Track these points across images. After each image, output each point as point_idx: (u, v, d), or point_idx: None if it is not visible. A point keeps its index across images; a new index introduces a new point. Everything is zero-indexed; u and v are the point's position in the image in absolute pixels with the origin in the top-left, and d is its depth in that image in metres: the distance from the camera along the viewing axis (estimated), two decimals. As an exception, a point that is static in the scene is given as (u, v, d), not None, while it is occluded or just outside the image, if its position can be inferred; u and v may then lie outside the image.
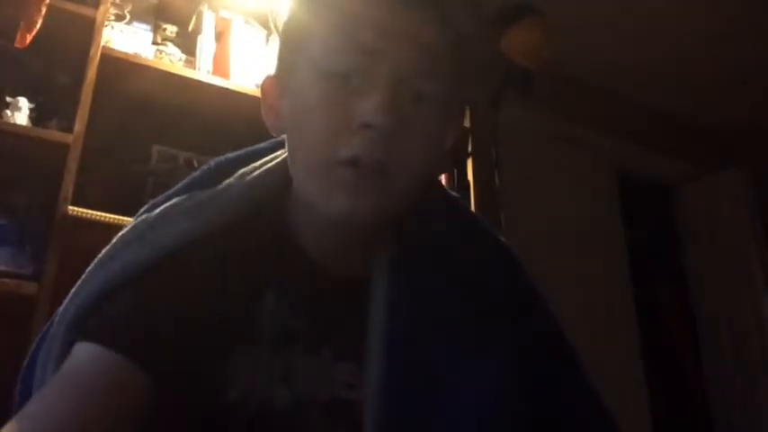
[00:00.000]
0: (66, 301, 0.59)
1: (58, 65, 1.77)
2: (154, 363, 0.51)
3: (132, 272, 0.57)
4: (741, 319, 2.93)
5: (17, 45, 1.56)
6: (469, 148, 2.29)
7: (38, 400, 0.49)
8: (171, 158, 1.93)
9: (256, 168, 0.66)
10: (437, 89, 0.58)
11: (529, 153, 2.65)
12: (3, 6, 1.64)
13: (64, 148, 1.54)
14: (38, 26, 1.56)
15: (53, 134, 1.58)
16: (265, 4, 2.06)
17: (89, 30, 1.68)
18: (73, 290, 0.59)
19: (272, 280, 0.62)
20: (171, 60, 1.89)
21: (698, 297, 3.15)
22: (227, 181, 0.65)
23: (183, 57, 1.94)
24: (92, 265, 0.60)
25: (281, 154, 0.68)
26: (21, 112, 1.59)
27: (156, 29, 1.98)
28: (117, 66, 1.73)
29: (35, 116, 1.63)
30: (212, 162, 0.70)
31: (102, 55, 1.68)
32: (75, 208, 1.52)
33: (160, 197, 0.67)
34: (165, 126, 1.96)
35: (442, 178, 2.13)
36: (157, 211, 0.63)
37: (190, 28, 2.04)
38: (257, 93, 1.89)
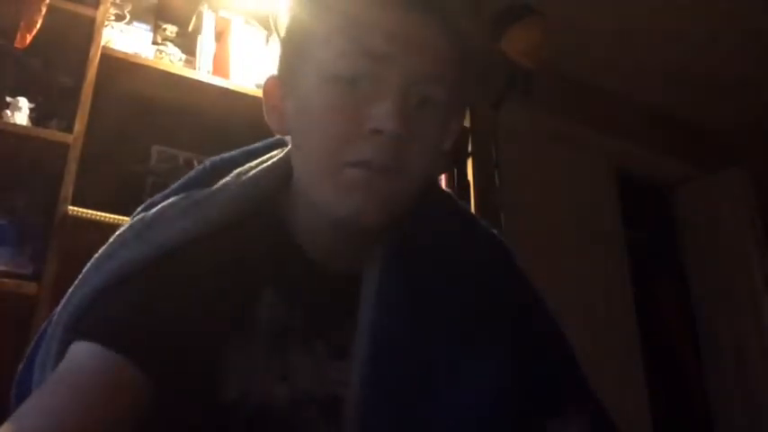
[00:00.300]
0: (63, 301, 0.59)
1: (58, 65, 1.77)
2: (152, 362, 0.51)
3: (130, 271, 0.57)
4: (741, 319, 2.93)
5: (17, 45, 1.56)
6: (469, 148, 2.29)
7: (36, 398, 0.48)
8: (171, 158, 1.93)
9: (252, 168, 0.66)
10: (442, 93, 0.58)
11: (529, 153, 2.65)
12: (3, 6, 1.64)
13: (64, 148, 1.54)
14: (38, 26, 1.56)
15: (53, 134, 1.57)
16: (265, 4, 2.06)
17: (89, 30, 1.68)
18: (70, 289, 0.59)
19: (270, 278, 0.62)
20: (171, 60, 1.89)
21: (698, 297, 3.15)
22: (223, 180, 0.65)
23: (183, 57, 1.94)
24: (89, 264, 0.60)
25: (278, 153, 0.68)
26: (21, 112, 1.59)
27: (156, 29, 1.98)
28: (117, 66, 1.73)
29: (35, 116, 1.63)
30: (207, 162, 0.70)
31: (102, 55, 1.68)
32: (75, 208, 1.52)
33: (157, 196, 0.67)
34: (165, 126, 1.96)
35: (442, 178, 2.13)
36: (154, 210, 0.63)
37: (190, 28, 2.04)
38: (257, 93, 1.92)
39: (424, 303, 0.62)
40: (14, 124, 1.56)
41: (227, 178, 0.65)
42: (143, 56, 1.82)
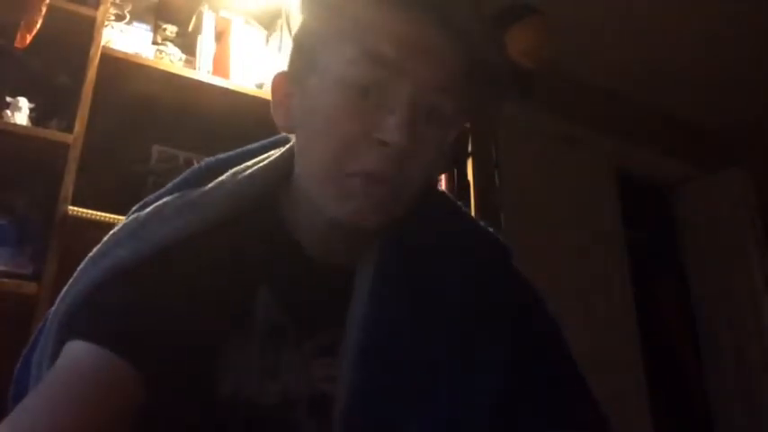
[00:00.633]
0: (58, 300, 0.59)
1: (58, 65, 1.77)
2: (146, 361, 0.51)
3: (124, 269, 0.57)
4: (741, 319, 2.93)
5: (17, 45, 1.56)
6: (469, 148, 2.29)
7: (31, 398, 0.48)
8: (171, 158, 1.93)
9: (249, 167, 0.66)
10: (450, 105, 0.58)
11: (529, 153, 2.65)
12: (3, 6, 1.64)
13: (64, 148, 1.54)
14: (38, 26, 1.56)
15: (53, 134, 1.57)
16: (265, 4, 2.06)
17: (89, 30, 1.67)
18: (65, 288, 0.59)
19: (266, 276, 0.62)
20: (171, 60, 1.89)
21: (698, 297, 3.15)
22: (218, 179, 0.65)
23: (183, 57, 1.94)
24: (83, 263, 0.60)
25: (275, 153, 0.68)
26: (21, 112, 1.59)
27: (156, 29, 1.98)
28: (117, 66, 1.73)
29: (35, 116, 1.63)
30: (203, 162, 0.70)
31: (102, 55, 1.68)
32: (75, 208, 1.52)
33: (151, 196, 0.67)
34: (165, 126, 1.96)
35: (442, 178, 2.13)
36: (149, 209, 0.63)
37: (190, 28, 2.04)
38: (257, 93, 1.92)
39: (422, 302, 0.62)
40: (14, 124, 1.56)
41: (223, 177, 0.65)
42: (143, 56, 1.82)
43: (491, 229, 0.72)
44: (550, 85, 2.61)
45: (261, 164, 0.67)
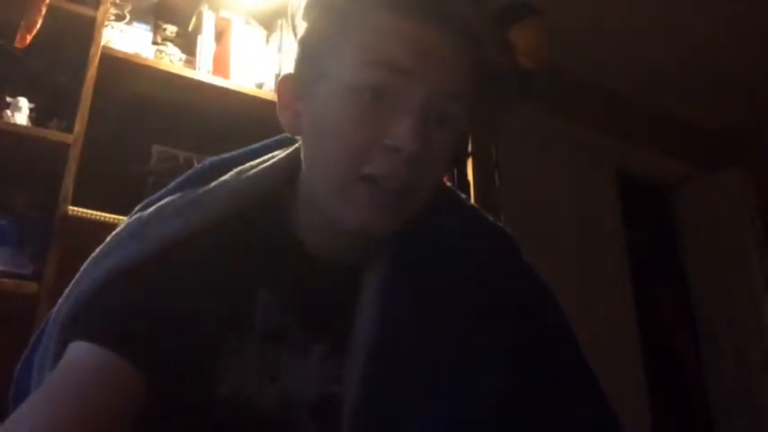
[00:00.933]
0: (60, 300, 0.59)
1: (58, 65, 1.77)
2: (148, 361, 0.51)
3: (126, 269, 0.57)
4: (741, 319, 2.93)
5: (17, 45, 1.56)
6: (469, 148, 2.29)
7: (34, 399, 0.49)
8: (171, 158, 1.93)
9: (254, 167, 0.66)
10: (460, 110, 0.58)
11: (529, 153, 2.65)
12: (3, 6, 1.64)
13: (64, 148, 1.54)
14: (38, 26, 1.56)
15: (53, 134, 1.57)
16: (265, 4, 2.06)
17: (89, 30, 1.67)
18: (67, 288, 0.59)
19: (267, 277, 0.62)
20: (171, 60, 1.89)
21: (698, 297, 3.15)
22: (222, 178, 0.65)
23: (183, 57, 1.94)
24: (86, 263, 0.60)
25: (280, 153, 0.68)
26: (21, 112, 1.59)
27: (156, 29, 1.98)
28: (117, 66, 1.73)
29: (35, 116, 1.63)
30: (207, 161, 0.70)
31: (102, 55, 1.68)
32: (75, 208, 1.52)
33: (153, 196, 0.67)
34: (165, 126, 1.96)
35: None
36: (151, 209, 0.63)
37: (190, 28, 2.04)
38: (257, 93, 1.92)
39: (426, 303, 0.61)
40: (14, 124, 1.56)
41: (227, 176, 0.65)
42: (143, 56, 1.82)
43: (500, 224, 0.72)
44: (550, 85, 2.61)
45: (265, 164, 0.67)
